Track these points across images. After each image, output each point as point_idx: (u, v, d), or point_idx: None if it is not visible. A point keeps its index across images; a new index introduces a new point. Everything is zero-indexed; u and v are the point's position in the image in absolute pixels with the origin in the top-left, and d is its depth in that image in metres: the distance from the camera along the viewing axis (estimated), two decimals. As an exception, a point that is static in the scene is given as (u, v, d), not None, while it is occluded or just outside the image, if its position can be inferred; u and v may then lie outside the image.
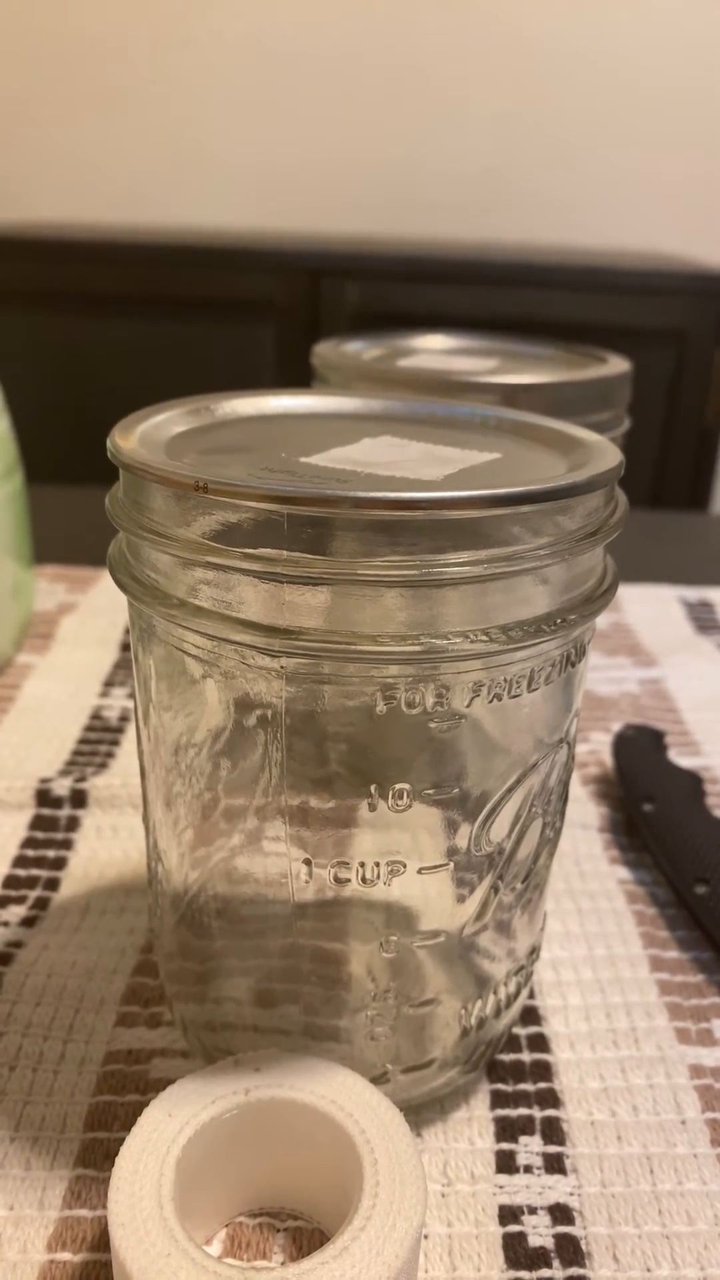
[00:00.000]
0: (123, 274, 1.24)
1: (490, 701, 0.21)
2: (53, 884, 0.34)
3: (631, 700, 0.47)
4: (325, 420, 0.27)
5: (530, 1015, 0.29)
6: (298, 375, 1.23)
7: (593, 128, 1.44)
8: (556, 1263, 0.23)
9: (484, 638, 0.20)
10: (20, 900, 0.33)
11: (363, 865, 0.22)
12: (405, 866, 0.22)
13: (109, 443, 0.22)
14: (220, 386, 0.29)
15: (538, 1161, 0.25)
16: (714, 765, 0.42)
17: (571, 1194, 0.24)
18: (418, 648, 0.20)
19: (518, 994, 0.27)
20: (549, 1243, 0.23)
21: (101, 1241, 0.23)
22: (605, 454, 0.23)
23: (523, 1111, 0.26)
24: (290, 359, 1.26)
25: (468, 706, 0.21)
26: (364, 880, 0.22)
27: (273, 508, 0.19)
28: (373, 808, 0.21)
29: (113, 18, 1.41)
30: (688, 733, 0.45)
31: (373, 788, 0.21)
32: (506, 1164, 0.25)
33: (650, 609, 0.57)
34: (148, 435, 0.23)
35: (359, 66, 1.42)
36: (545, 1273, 0.22)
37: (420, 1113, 0.26)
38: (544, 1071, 0.28)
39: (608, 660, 0.51)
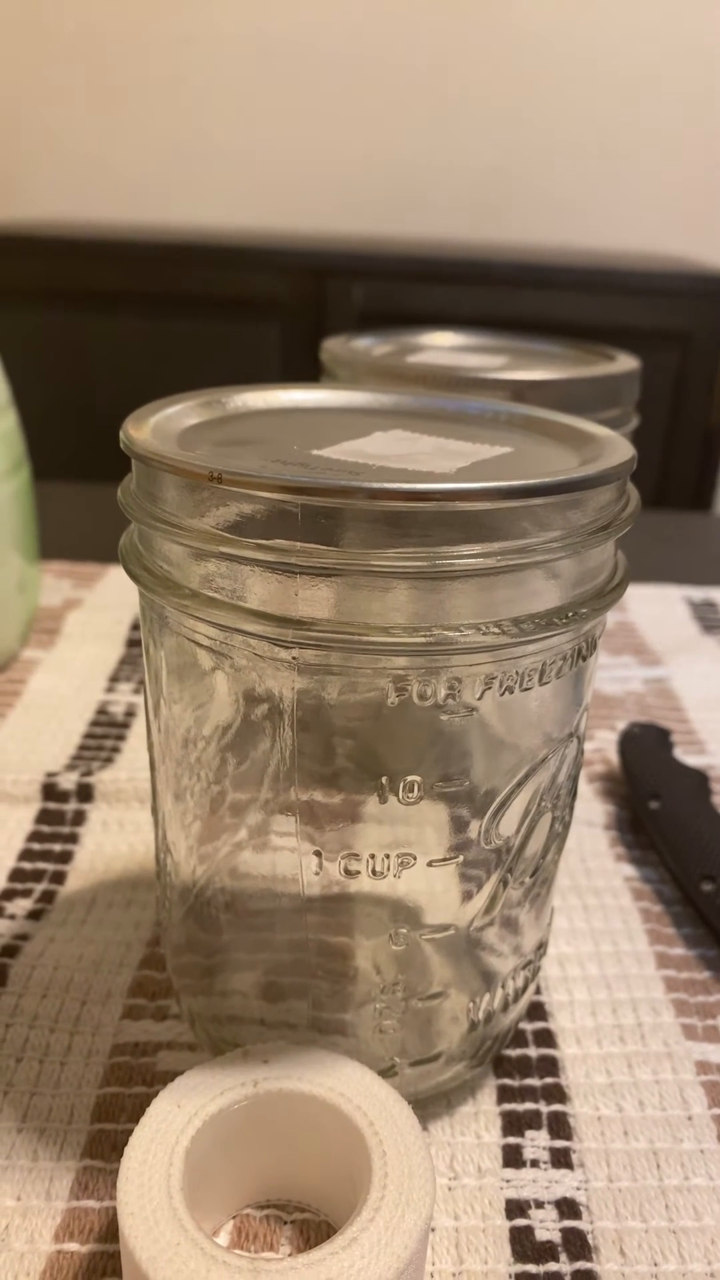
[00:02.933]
0: (128, 272, 1.24)
1: (501, 695, 0.21)
2: (59, 877, 0.34)
3: (637, 699, 0.47)
4: (336, 414, 0.27)
5: (537, 1011, 0.29)
6: (302, 375, 1.23)
7: (600, 129, 1.44)
8: (564, 1257, 0.23)
9: (495, 630, 0.20)
10: (26, 894, 0.33)
11: (373, 857, 0.22)
12: (415, 859, 0.22)
13: (122, 434, 0.22)
14: (225, 385, 0.29)
15: (544, 1156, 0.25)
16: (719, 764, 0.42)
17: (578, 1188, 0.24)
18: (429, 639, 0.20)
19: (525, 989, 0.27)
20: (556, 1237, 0.23)
21: (108, 1232, 0.23)
22: (617, 448, 0.23)
23: (529, 1106, 0.26)
24: (294, 359, 1.26)
25: (479, 699, 0.21)
26: (374, 872, 0.22)
27: (287, 498, 0.19)
28: (383, 800, 0.21)
29: (118, 15, 1.41)
30: (693, 732, 0.45)
31: (383, 780, 0.21)
32: (513, 1158, 0.25)
33: (655, 608, 0.57)
34: (160, 427, 0.23)
35: (366, 66, 1.42)
36: (552, 1267, 0.22)
37: (427, 1107, 0.26)
38: (550, 1066, 0.28)
39: (613, 659, 0.51)
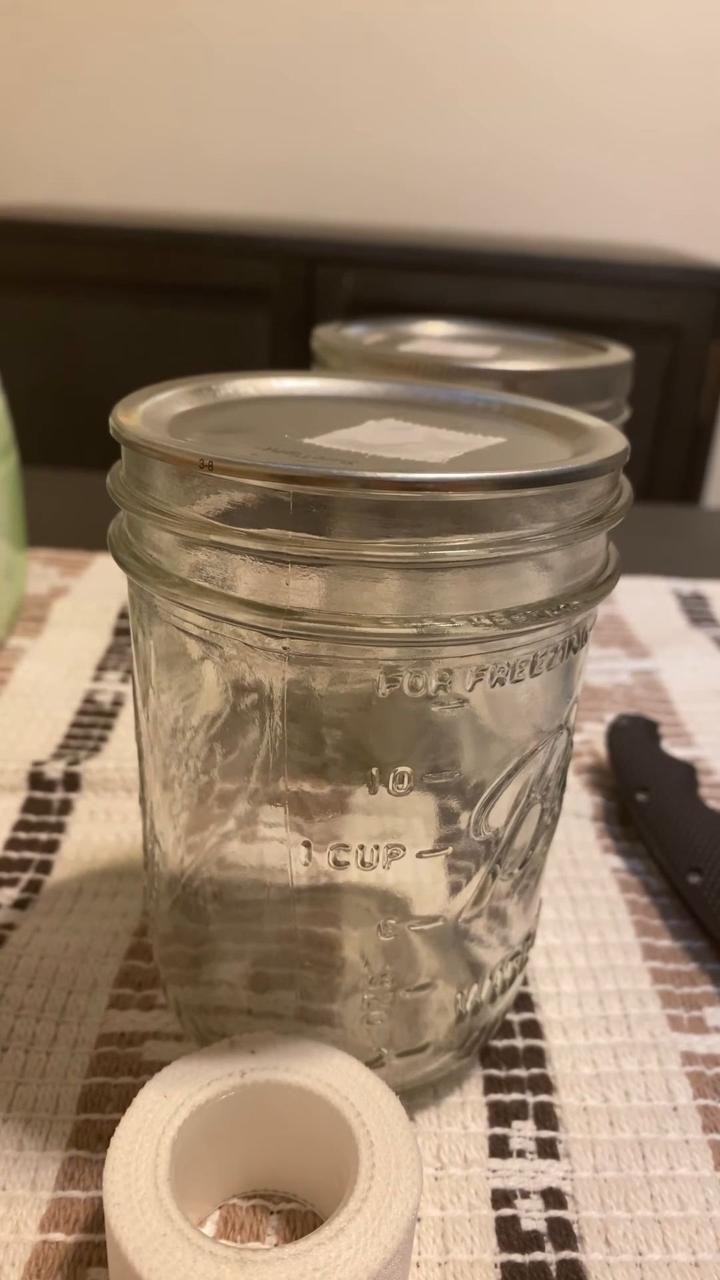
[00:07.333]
0: (119, 258, 1.23)
1: (492, 686, 0.21)
2: (45, 866, 0.34)
3: (625, 691, 0.47)
4: (328, 403, 0.27)
5: (523, 1001, 0.29)
6: (291, 363, 1.22)
7: (592, 121, 1.43)
8: (549, 1246, 0.23)
9: (486, 621, 0.20)
10: (12, 883, 0.33)
11: (362, 848, 0.22)
12: (404, 850, 0.22)
13: (111, 420, 0.22)
14: (214, 372, 0.29)
15: (531, 1146, 0.25)
16: (707, 756, 0.42)
17: (564, 1178, 0.24)
18: (420, 630, 0.20)
19: (513, 980, 0.27)
20: (541, 1226, 0.23)
21: (94, 1222, 0.23)
22: (610, 440, 0.23)
23: (516, 1097, 0.26)
24: (285, 346, 1.25)
25: (470, 691, 0.21)
26: (363, 863, 0.22)
27: (278, 487, 0.19)
28: (373, 792, 0.21)
29: (111, 1, 1.40)
30: (680, 724, 0.45)
31: (373, 771, 0.21)
32: (500, 1148, 0.25)
33: (644, 601, 0.57)
34: (150, 413, 0.23)
35: (358, 54, 1.41)
36: (538, 1256, 0.22)
37: (414, 1097, 0.26)
38: (537, 1057, 0.28)
39: (601, 651, 0.51)
